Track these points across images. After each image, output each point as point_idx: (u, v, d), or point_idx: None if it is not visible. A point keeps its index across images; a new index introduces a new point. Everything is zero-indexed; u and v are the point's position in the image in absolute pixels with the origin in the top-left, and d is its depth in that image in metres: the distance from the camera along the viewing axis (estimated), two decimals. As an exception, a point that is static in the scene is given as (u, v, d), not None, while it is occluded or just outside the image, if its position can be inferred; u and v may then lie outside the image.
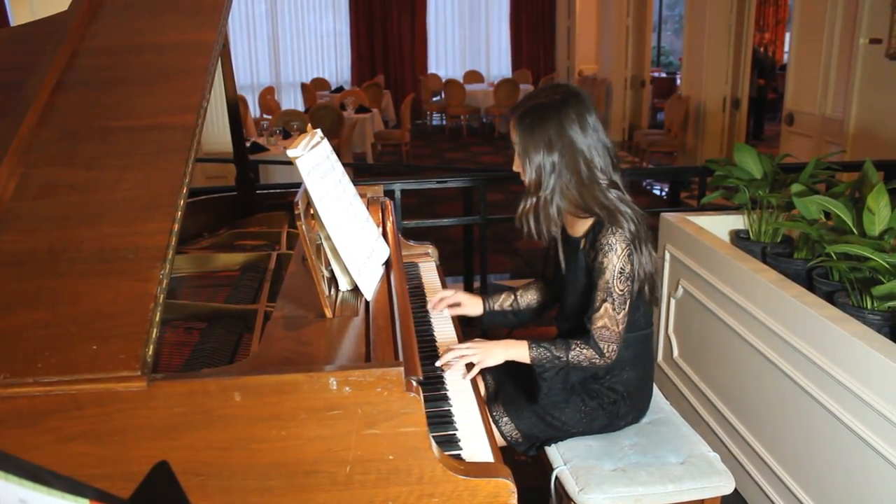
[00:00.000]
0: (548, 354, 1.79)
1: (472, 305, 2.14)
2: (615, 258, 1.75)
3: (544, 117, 1.78)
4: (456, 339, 1.99)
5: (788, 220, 2.62)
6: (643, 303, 1.89)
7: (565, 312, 1.97)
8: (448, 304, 2.12)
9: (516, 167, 1.87)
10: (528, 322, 2.23)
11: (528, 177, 1.82)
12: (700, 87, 8.22)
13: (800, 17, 6.01)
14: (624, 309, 1.77)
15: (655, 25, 12.89)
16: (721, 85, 8.00)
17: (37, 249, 1.34)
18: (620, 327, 1.78)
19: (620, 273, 1.76)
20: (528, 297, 2.17)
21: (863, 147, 5.04)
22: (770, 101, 10.91)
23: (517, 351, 1.81)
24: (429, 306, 2.13)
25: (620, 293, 1.76)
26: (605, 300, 1.76)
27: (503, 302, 2.17)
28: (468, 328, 2.18)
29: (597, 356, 1.77)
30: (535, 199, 1.84)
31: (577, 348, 1.78)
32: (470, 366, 1.80)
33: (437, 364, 1.81)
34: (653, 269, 1.86)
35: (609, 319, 1.76)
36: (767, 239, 2.75)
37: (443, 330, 2.06)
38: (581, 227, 1.86)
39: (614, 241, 1.76)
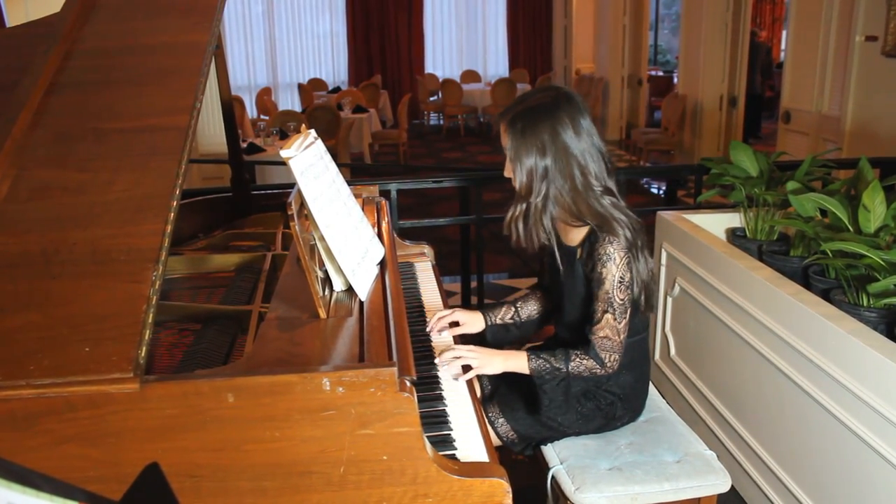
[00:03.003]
0: (547, 366, 1.77)
1: (473, 322, 2.05)
2: (614, 268, 1.72)
3: (536, 121, 1.73)
4: (451, 340, 1.98)
5: (784, 218, 2.62)
6: (639, 309, 1.86)
7: (564, 321, 1.94)
8: (447, 324, 2.02)
9: (507, 173, 1.82)
10: (531, 334, 2.16)
11: (518, 182, 1.78)
12: (697, 86, 8.23)
13: (796, 15, 6.01)
14: (625, 318, 1.75)
15: (652, 24, 12.89)
16: (718, 83, 8.02)
17: (29, 251, 1.33)
18: (622, 336, 1.76)
19: (620, 282, 1.73)
20: (529, 309, 2.11)
21: (859, 144, 5.04)
22: (767, 98, 10.92)
23: (516, 362, 1.80)
24: (427, 328, 2.00)
25: (621, 303, 1.74)
26: (606, 311, 1.74)
27: (504, 315, 2.10)
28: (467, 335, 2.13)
29: (598, 366, 1.75)
30: (524, 206, 1.81)
31: (577, 359, 1.76)
32: (467, 368, 1.79)
33: (436, 361, 1.80)
34: (649, 278, 1.83)
35: (611, 330, 1.74)
36: (763, 237, 2.75)
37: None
38: (576, 235, 1.82)
39: (612, 250, 1.72)
